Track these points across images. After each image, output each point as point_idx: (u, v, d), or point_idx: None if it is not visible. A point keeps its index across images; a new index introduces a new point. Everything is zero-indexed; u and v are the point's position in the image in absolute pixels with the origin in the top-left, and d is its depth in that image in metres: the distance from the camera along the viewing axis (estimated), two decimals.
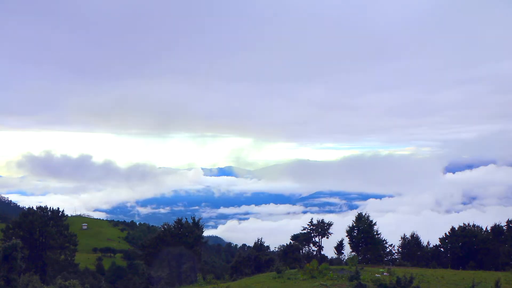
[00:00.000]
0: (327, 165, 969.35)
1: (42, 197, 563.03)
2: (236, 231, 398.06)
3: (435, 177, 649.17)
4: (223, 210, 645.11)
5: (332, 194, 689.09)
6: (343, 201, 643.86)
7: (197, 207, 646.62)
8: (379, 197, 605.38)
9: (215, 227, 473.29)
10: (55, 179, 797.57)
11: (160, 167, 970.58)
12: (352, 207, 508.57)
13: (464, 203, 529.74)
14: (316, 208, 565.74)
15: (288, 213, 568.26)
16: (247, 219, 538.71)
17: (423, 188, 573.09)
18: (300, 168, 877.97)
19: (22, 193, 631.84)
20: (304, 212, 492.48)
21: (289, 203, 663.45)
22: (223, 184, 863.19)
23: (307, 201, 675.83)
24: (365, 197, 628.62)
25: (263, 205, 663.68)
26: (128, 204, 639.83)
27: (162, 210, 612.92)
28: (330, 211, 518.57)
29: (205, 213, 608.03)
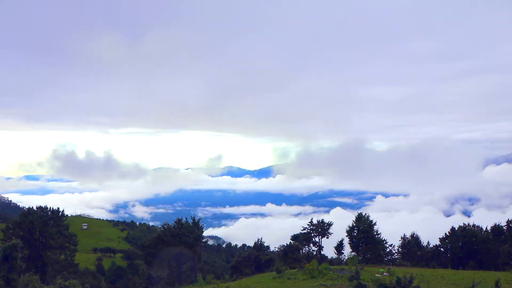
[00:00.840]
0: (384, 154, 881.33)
1: (42, 196, 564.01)
2: (252, 232, 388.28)
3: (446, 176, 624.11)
4: (228, 210, 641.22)
5: (343, 194, 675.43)
6: (356, 201, 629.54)
7: (199, 207, 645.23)
8: (387, 195, 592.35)
9: (215, 226, 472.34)
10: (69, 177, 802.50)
11: (158, 167, 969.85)
12: (363, 207, 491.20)
13: (473, 203, 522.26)
14: (327, 208, 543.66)
15: (300, 214, 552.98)
16: (265, 217, 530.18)
17: (436, 186, 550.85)
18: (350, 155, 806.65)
19: (26, 192, 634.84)
20: (315, 212, 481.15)
21: (295, 204, 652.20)
22: (227, 184, 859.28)
23: (316, 200, 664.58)
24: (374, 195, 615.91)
25: (268, 205, 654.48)
26: (130, 204, 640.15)
27: (164, 210, 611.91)
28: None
29: (208, 213, 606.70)
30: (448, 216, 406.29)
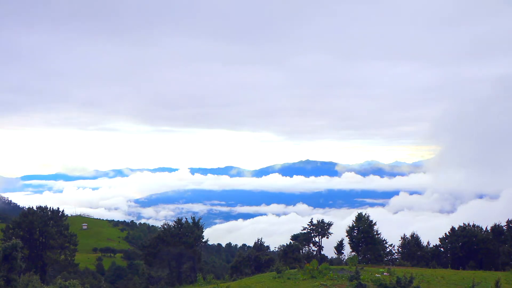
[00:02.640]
0: None
1: (40, 196, 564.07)
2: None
3: None
4: (237, 209, 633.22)
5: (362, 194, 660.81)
6: (379, 200, 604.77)
7: (201, 207, 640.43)
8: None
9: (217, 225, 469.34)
10: None
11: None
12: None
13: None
14: (343, 209, 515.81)
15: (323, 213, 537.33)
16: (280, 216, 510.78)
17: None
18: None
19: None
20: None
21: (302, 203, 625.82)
22: (230, 184, 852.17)
23: (330, 201, 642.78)
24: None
25: (273, 205, 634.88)
26: (131, 204, 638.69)
27: (165, 210, 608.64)
28: None
29: (211, 212, 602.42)
30: None
